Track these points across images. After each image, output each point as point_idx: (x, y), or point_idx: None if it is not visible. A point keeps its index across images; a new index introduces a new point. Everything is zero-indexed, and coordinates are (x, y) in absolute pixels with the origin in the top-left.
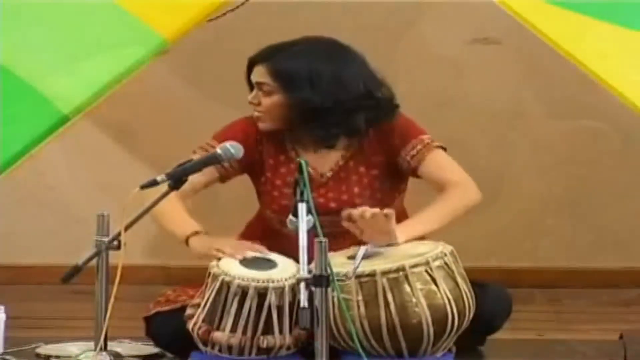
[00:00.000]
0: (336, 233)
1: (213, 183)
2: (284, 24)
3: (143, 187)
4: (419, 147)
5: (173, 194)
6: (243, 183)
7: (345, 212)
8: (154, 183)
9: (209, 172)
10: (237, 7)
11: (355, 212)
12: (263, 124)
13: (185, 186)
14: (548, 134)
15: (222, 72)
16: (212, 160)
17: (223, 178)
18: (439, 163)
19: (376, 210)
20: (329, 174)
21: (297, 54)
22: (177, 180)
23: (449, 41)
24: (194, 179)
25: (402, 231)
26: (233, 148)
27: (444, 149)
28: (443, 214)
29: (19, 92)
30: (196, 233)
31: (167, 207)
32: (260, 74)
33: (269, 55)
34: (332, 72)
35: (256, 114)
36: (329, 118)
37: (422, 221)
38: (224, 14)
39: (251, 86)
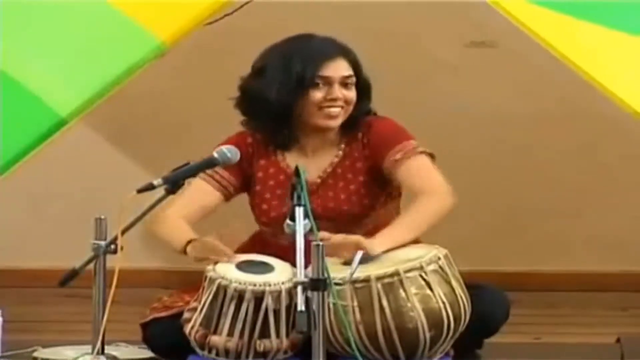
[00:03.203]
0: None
1: (218, 205)
2: (282, 26)
3: (140, 191)
4: (403, 151)
5: (176, 215)
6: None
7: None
8: (150, 187)
9: (210, 191)
10: (235, 10)
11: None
12: (339, 120)
13: (193, 211)
14: (545, 136)
15: (220, 75)
16: (208, 164)
17: (227, 198)
18: (417, 169)
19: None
20: (317, 181)
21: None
22: (173, 184)
23: (446, 44)
24: (199, 203)
25: (380, 242)
26: (229, 152)
27: (432, 155)
28: (415, 225)
29: (17, 95)
30: (190, 241)
31: (164, 220)
32: (344, 67)
33: (344, 49)
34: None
35: (337, 110)
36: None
37: (401, 230)
38: (221, 18)
39: (308, 83)
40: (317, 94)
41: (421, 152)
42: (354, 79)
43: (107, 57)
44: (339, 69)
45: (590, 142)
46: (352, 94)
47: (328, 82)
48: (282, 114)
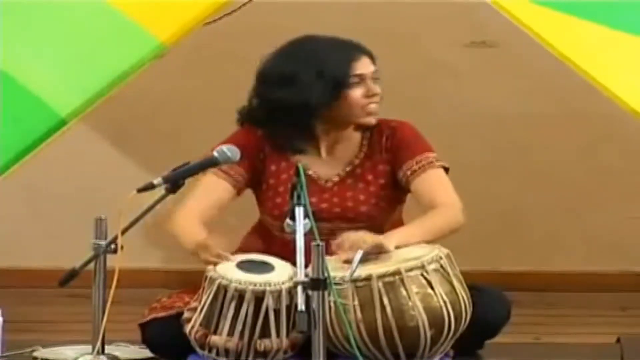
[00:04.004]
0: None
1: (232, 198)
2: (282, 26)
3: (140, 190)
4: (421, 163)
5: (191, 214)
6: (243, 194)
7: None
8: (150, 186)
9: (224, 186)
10: (235, 10)
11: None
12: (377, 115)
13: (209, 208)
14: (545, 136)
15: (220, 75)
16: (208, 163)
17: (238, 190)
18: (433, 182)
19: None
20: (335, 179)
21: None
22: (173, 183)
23: (446, 44)
24: (215, 199)
25: (390, 241)
26: (229, 151)
27: (447, 169)
28: (428, 231)
29: (17, 95)
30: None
31: (181, 225)
32: (370, 63)
33: (362, 46)
34: None
35: (375, 106)
36: None
37: (417, 232)
38: (220, 18)
39: (337, 83)
40: (357, 93)
41: (438, 166)
42: (378, 73)
43: (107, 57)
44: (368, 65)
45: (590, 142)
46: (379, 88)
47: (362, 79)
48: (312, 118)
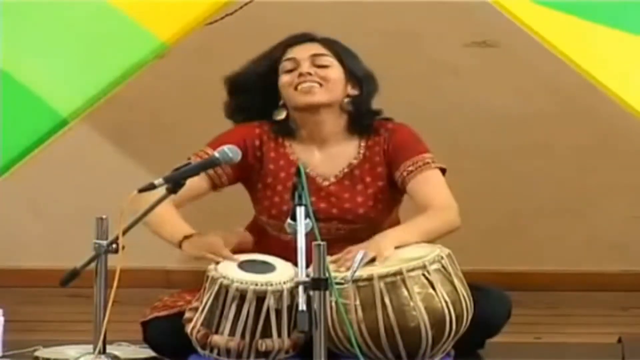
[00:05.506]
0: (336, 239)
1: (206, 192)
2: (283, 26)
3: (141, 190)
4: (418, 164)
5: (166, 202)
6: (237, 193)
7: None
8: (151, 187)
9: (199, 178)
10: (236, 10)
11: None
12: (317, 96)
13: (176, 197)
14: (545, 136)
15: (220, 74)
16: (210, 164)
17: (215, 186)
18: (429, 183)
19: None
20: (332, 179)
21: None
22: (175, 183)
23: (447, 44)
24: (186, 189)
25: (392, 240)
26: (231, 152)
27: (444, 170)
28: (424, 232)
29: (19, 96)
30: (187, 237)
31: (159, 214)
32: (314, 48)
33: (319, 38)
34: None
35: (309, 85)
36: (367, 102)
37: (405, 234)
38: (222, 18)
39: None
40: (287, 76)
41: (435, 167)
42: (328, 59)
43: (108, 57)
44: (307, 49)
45: (591, 142)
46: (328, 72)
47: (296, 62)
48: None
